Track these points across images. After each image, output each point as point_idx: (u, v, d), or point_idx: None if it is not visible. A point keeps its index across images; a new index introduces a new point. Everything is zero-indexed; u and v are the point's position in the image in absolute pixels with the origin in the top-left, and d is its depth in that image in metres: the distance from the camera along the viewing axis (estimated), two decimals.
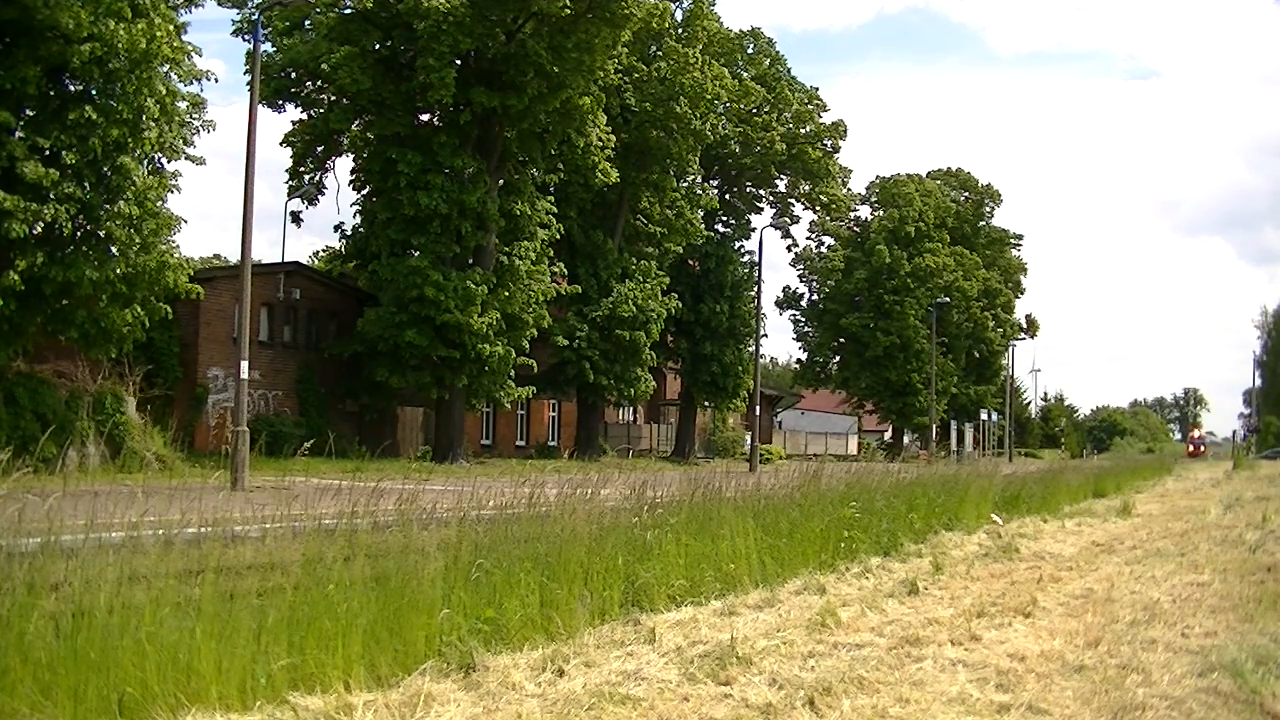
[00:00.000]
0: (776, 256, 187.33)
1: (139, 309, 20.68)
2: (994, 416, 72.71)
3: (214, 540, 5.87)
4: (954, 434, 64.58)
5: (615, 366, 38.22)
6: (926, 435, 57.93)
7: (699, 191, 44.08)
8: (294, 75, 32.19)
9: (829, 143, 50.37)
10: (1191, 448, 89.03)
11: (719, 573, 8.64)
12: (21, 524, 5.28)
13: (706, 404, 47.95)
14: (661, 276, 40.00)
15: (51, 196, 18.70)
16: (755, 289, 45.79)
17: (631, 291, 37.98)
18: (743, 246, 49.77)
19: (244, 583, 5.98)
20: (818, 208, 53.38)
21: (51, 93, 19.53)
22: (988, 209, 69.36)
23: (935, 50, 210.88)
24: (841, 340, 62.09)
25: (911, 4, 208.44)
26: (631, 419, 50.09)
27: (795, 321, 64.10)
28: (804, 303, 63.63)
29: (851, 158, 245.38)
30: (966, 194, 68.43)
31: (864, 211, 62.74)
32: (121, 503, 5.94)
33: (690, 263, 45.28)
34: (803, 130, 48.86)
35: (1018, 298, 71.50)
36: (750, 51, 49.12)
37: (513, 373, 31.90)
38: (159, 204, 20.75)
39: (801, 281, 63.84)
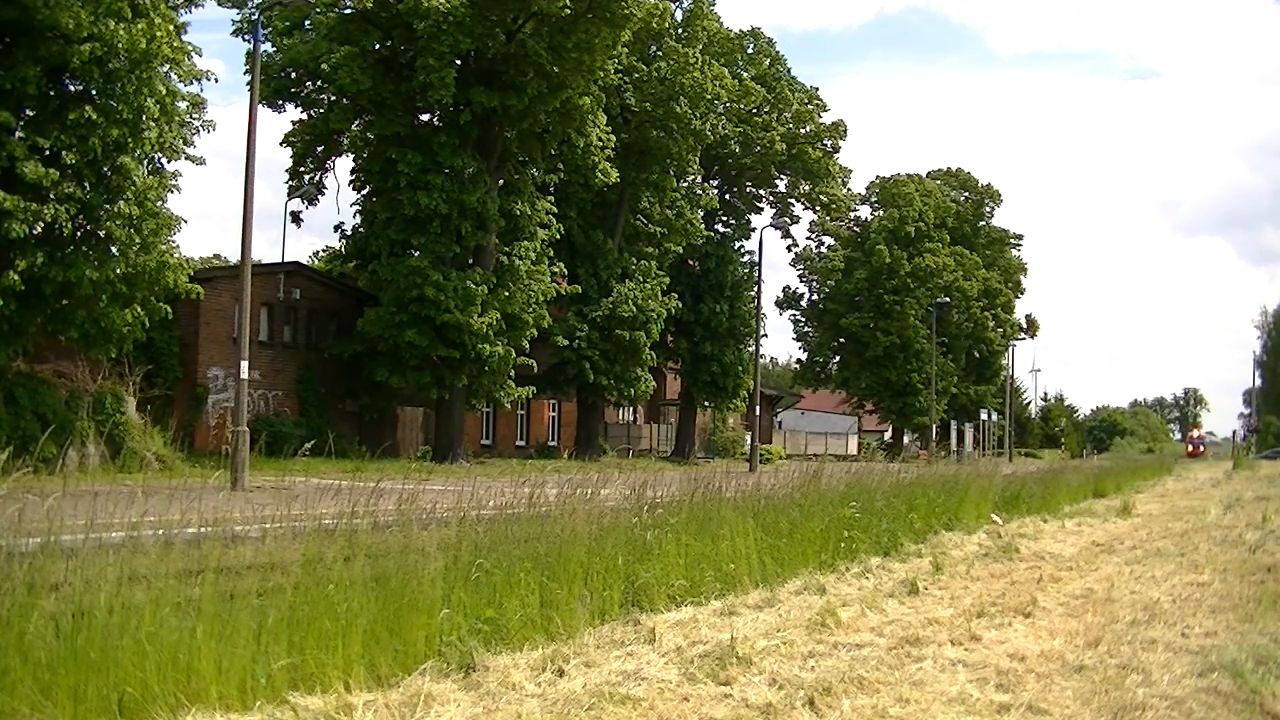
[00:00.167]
0: (776, 256, 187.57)
1: (139, 309, 20.67)
2: (994, 416, 72.72)
3: (214, 540, 5.86)
4: (954, 434, 64.59)
5: (615, 366, 38.22)
6: (926, 435, 57.94)
7: (699, 191, 44.08)
8: (294, 75, 32.19)
9: (829, 143, 50.38)
10: (1191, 448, 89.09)
11: (719, 573, 8.64)
12: (21, 524, 5.28)
13: (706, 404, 47.95)
14: (661, 276, 40.00)
15: (51, 196, 18.70)
16: (755, 289, 45.79)
17: (631, 291, 37.99)
18: (743, 246, 49.86)
19: (244, 583, 5.98)
20: (818, 208, 53.38)
21: (51, 93, 19.53)
22: (988, 209, 69.38)
23: (935, 50, 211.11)
24: (841, 340, 62.10)
25: (911, 4, 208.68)
26: (631, 419, 50.08)
27: (795, 321, 64.19)
28: (804, 303, 63.65)
29: (851, 158, 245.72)
30: (966, 194, 68.44)
31: (864, 211, 62.81)
32: (121, 503, 5.93)
33: (690, 263, 45.28)
34: (803, 130, 48.86)
35: (1018, 298, 71.58)
36: (750, 51, 49.11)
37: (513, 373, 31.90)
38: (159, 204, 20.75)
39: (801, 281, 63.94)
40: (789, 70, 50.05)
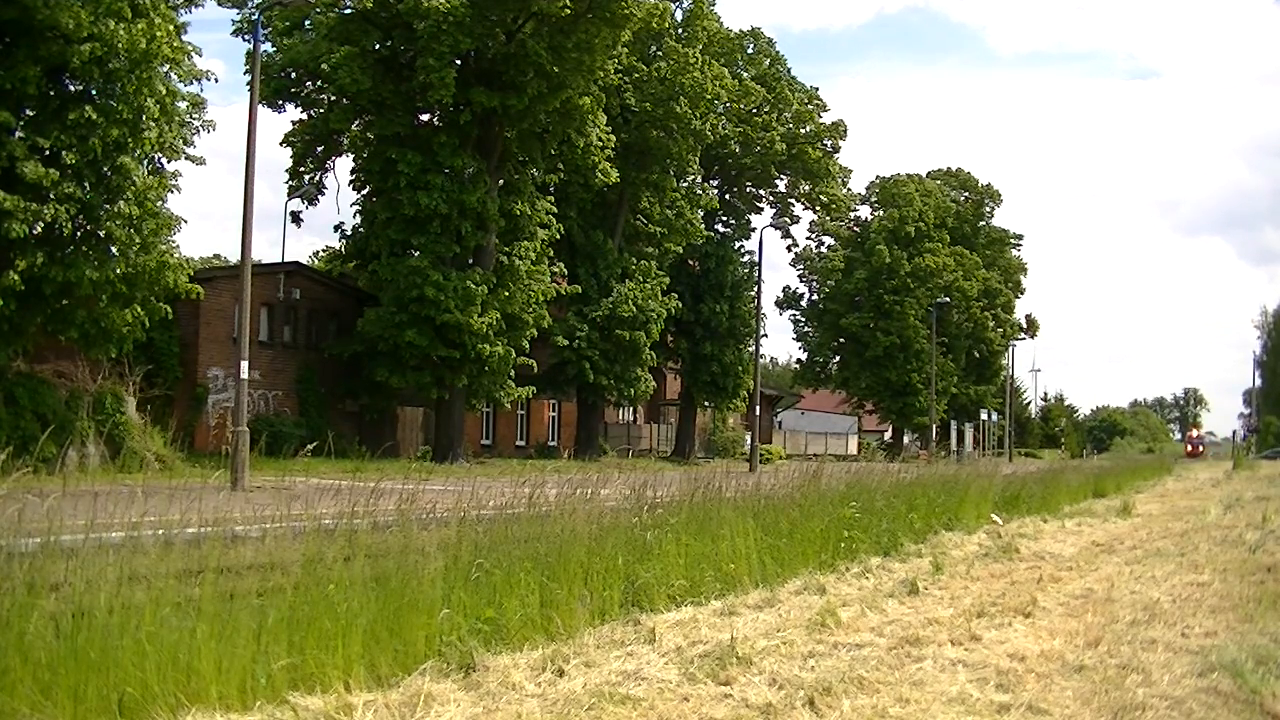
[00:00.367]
0: (776, 256, 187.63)
1: (139, 309, 20.67)
2: (994, 416, 72.72)
3: (214, 540, 5.86)
4: (954, 434, 64.60)
5: (615, 366, 38.22)
6: (926, 435, 57.94)
7: (699, 191, 44.08)
8: (294, 75, 32.20)
9: (829, 143, 50.38)
10: (1190, 447, 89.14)
11: (719, 573, 8.64)
12: (21, 524, 5.28)
13: (706, 404, 47.94)
14: (661, 276, 40.00)
15: (51, 196, 18.69)
16: (755, 289, 45.79)
17: (631, 291, 37.99)
18: (743, 246, 49.86)
19: (244, 583, 5.98)
20: (818, 208, 53.37)
21: (51, 93, 19.52)
22: (988, 209, 69.38)
23: (935, 50, 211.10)
24: (841, 340, 62.09)
25: (911, 4, 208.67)
26: (631, 419, 50.08)
27: (795, 321, 64.17)
28: (804, 303, 63.64)
29: (851, 158, 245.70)
30: (966, 194, 68.43)
31: (864, 211, 62.80)
32: (121, 503, 5.93)
33: (690, 263, 45.28)
34: (803, 130, 48.86)
35: (1018, 298, 71.58)
36: (750, 51, 49.11)
37: (513, 373, 31.90)
38: (159, 204, 20.74)
39: (801, 281, 63.92)
40: (789, 70, 50.11)
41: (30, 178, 18.24)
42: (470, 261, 31.32)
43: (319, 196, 35.73)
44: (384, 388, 31.23)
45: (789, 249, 61.57)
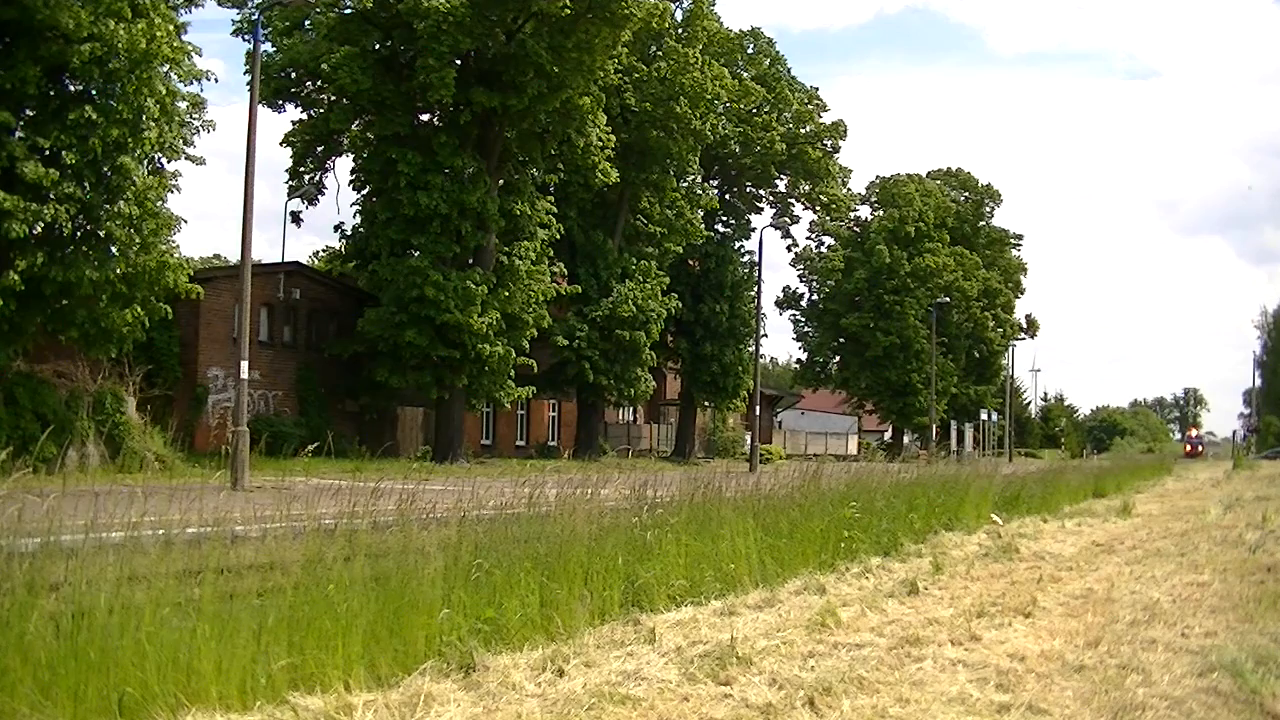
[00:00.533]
0: (776, 256, 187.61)
1: (139, 309, 20.66)
2: (994, 416, 72.71)
3: (214, 540, 5.86)
4: (954, 434, 64.59)
5: (615, 366, 38.23)
6: (926, 435, 57.95)
7: (699, 191, 44.09)
8: (294, 75, 32.17)
9: (829, 143, 50.39)
10: (1189, 447, 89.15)
11: (719, 573, 8.64)
12: (21, 524, 5.28)
13: (706, 404, 47.96)
14: (661, 276, 40.00)
15: (51, 196, 18.69)
16: (755, 289, 45.80)
17: (631, 291, 37.99)
18: (743, 246, 49.89)
19: (244, 583, 5.99)
20: (818, 208, 53.38)
21: (51, 93, 19.52)
22: (988, 209, 69.39)
23: (935, 50, 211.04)
24: (841, 340, 62.08)
25: (911, 4, 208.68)
26: (631, 419, 50.09)
27: (795, 321, 64.14)
28: (804, 303, 63.62)
29: (851, 158, 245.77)
30: (966, 194, 68.44)
31: (864, 211, 62.75)
32: (121, 503, 5.94)
33: (690, 263, 45.28)
34: (803, 130, 48.87)
35: (1018, 298, 71.59)
36: (750, 51, 49.12)
37: (513, 373, 31.90)
38: (159, 204, 20.73)
39: (801, 281, 63.86)
40: (789, 70, 50.13)
41: (30, 178, 18.24)
42: (470, 261, 31.32)
43: (319, 196, 35.74)
44: (384, 388, 31.23)
45: (789, 249, 61.66)
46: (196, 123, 21.62)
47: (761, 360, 48.66)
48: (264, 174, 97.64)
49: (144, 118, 19.71)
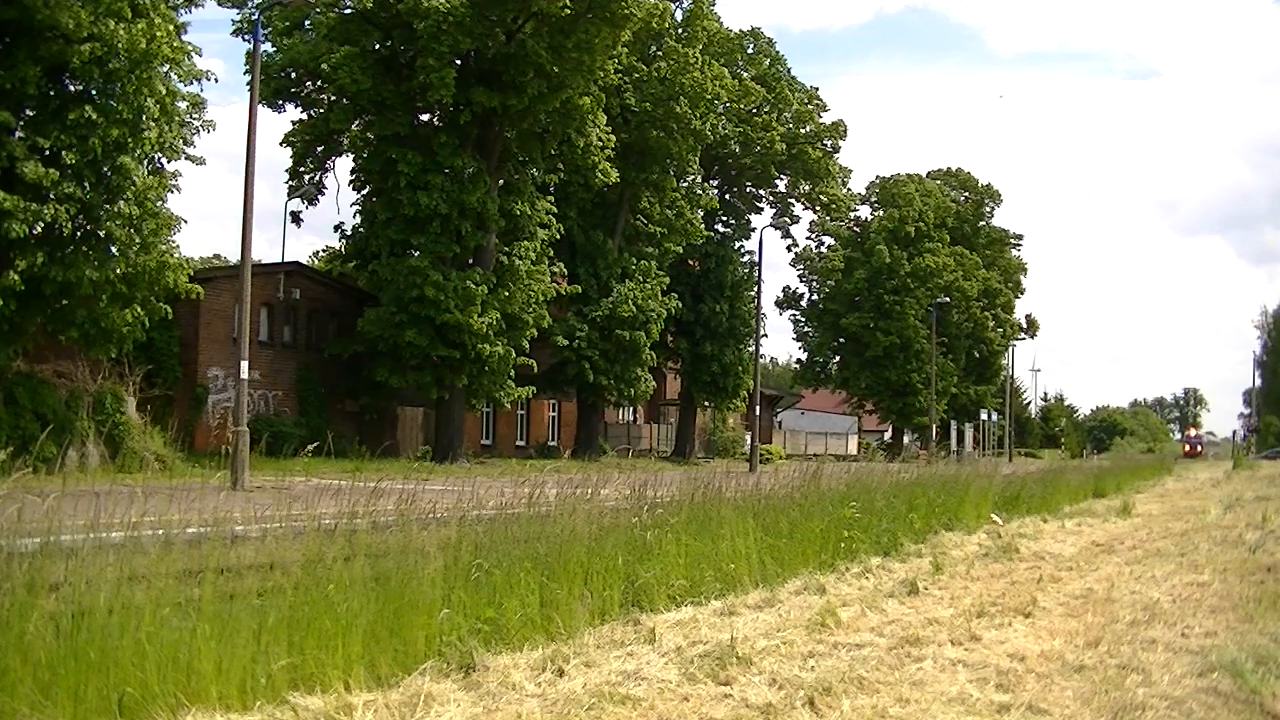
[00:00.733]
0: (776, 256, 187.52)
1: (139, 309, 20.67)
2: (994, 416, 72.71)
3: (214, 540, 5.87)
4: (954, 434, 64.58)
5: (615, 366, 38.23)
6: (926, 435, 57.94)
7: (699, 191, 44.08)
8: (294, 75, 32.17)
9: (829, 143, 50.39)
10: (1188, 447, 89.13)
11: (719, 573, 8.64)
12: (21, 524, 5.28)
13: (706, 404, 47.95)
14: (661, 276, 40.00)
15: (51, 196, 18.69)
16: (755, 289, 45.80)
17: (631, 291, 37.98)
18: (743, 246, 49.87)
19: (244, 583, 5.99)
20: (818, 208, 53.38)
21: (51, 93, 19.52)
22: (988, 209, 69.37)
23: (935, 50, 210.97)
24: (841, 340, 62.09)
25: (911, 4, 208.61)
26: (631, 419, 50.09)
27: (795, 321, 64.14)
28: (804, 303, 63.62)
29: (851, 158, 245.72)
30: (966, 194, 68.42)
31: (864, 211, 62.75)
32: (121, 503, 5.94)
33: (690, 263, 45.28)
34: (803, 130, 48.87)
35: (1018, 298, 71.56)
36: (750, 51, 49.10)
37: (513, 373, 31.90)
38: (159, 204, 20.73)
39: (801, 281, 63.87)
40: (789, 70, 50.10)
41: (30, 178, 18.24)
42: (470, 261, 31.32)
43: (319, 196, 35.74)
44: (384, 388, 31.23)
45: (789, 249, 61.66)
46: (196, 123, 21.64)
47: (761, 360, 48.67)
48: (264, 174, 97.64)
49: (144, 118, 19.71)
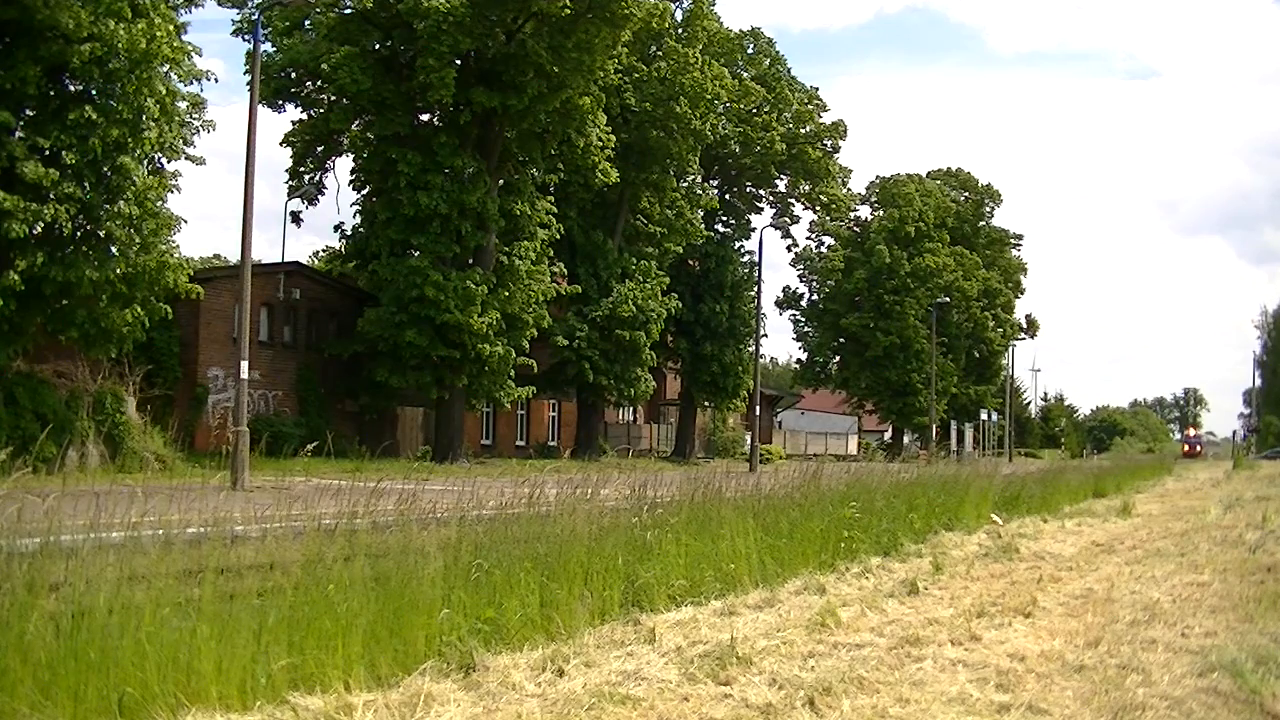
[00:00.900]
0: (776, 256, 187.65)
1: (139, 309, 20.67)
2: (994, 416, 72.70)
3: (214, 540, 5.86)
4: (954, 434, 64.57)
5: (615, 366, 38.23)
6: (926, 435, 57.94)
7: (699, 191, 44.08)
8: (294, 75, 32.18)
9: (829, 143, 50.38)
10: (1188, 447, 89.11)
11: (719, 573, 8.64)
12: (21, 524, 5.28)
13: (706, 404, 47.94)
14: (661, 276, 40.00)
15: (51, 196, 18.69)
16: (755, 289, 45.81)
17: (631, 291, 37.98)
18: (743, 246, 49.87)
19: (244, 583, 5.99)
20: (818, 208, 53.38)
21: (51, 93, 19.52)
22: (988, 209, 69.37)
23: (935, 50, 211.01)
24: (841, 340, 62.09)
25: (911, 4, 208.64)
26: (631, 419, 50.08)
27: (795, 321, 64.13)
28: (804, 303, 63.61)
29: (851, 158, 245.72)
30: (966, 194, 68.41)
31: (864, 211, 62.76)
32: (121, 503, 5.93)
33: (690, 263, 45.28)
34: (803, 130, 48.86)
35: (1018, 298, 71.58)
36: (750, 51, 49.10)
37: (513, 373, 31.90)
38: (159, 204, 20.74)
39: (801, 281, 63.87)
40: (789, 70, 50.09)
41: (30, 178, 18.24)
42: (470, 261, 31.32)
43: (319, 196, 35.74)
44: (384, 388, 31.23)
45: (789, 249, 61.64)
46: (196, 123, 21.64)
47: (761, 360, 48.68)
48: (264, 174, 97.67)
49: (144, 118, 19.71)
